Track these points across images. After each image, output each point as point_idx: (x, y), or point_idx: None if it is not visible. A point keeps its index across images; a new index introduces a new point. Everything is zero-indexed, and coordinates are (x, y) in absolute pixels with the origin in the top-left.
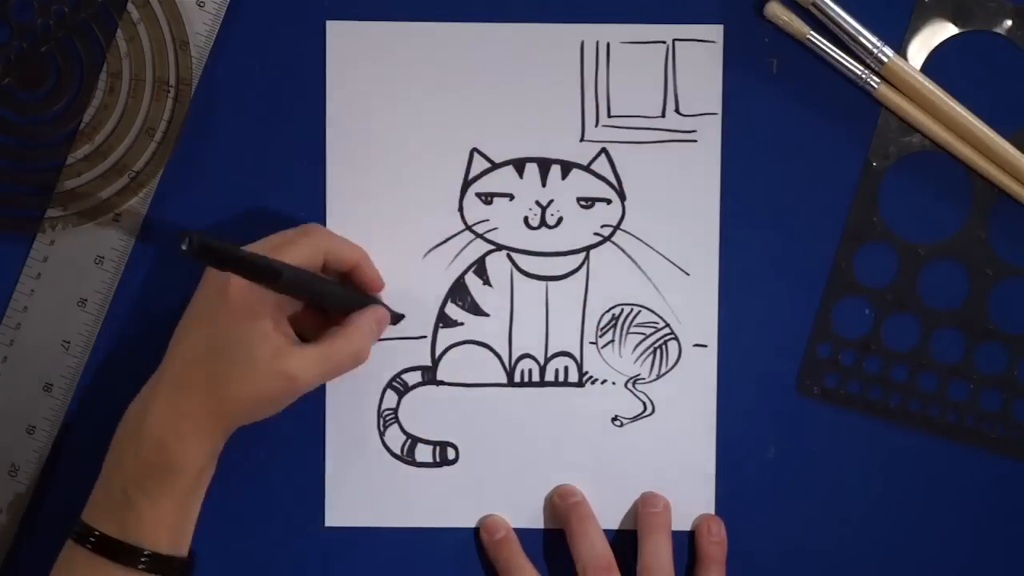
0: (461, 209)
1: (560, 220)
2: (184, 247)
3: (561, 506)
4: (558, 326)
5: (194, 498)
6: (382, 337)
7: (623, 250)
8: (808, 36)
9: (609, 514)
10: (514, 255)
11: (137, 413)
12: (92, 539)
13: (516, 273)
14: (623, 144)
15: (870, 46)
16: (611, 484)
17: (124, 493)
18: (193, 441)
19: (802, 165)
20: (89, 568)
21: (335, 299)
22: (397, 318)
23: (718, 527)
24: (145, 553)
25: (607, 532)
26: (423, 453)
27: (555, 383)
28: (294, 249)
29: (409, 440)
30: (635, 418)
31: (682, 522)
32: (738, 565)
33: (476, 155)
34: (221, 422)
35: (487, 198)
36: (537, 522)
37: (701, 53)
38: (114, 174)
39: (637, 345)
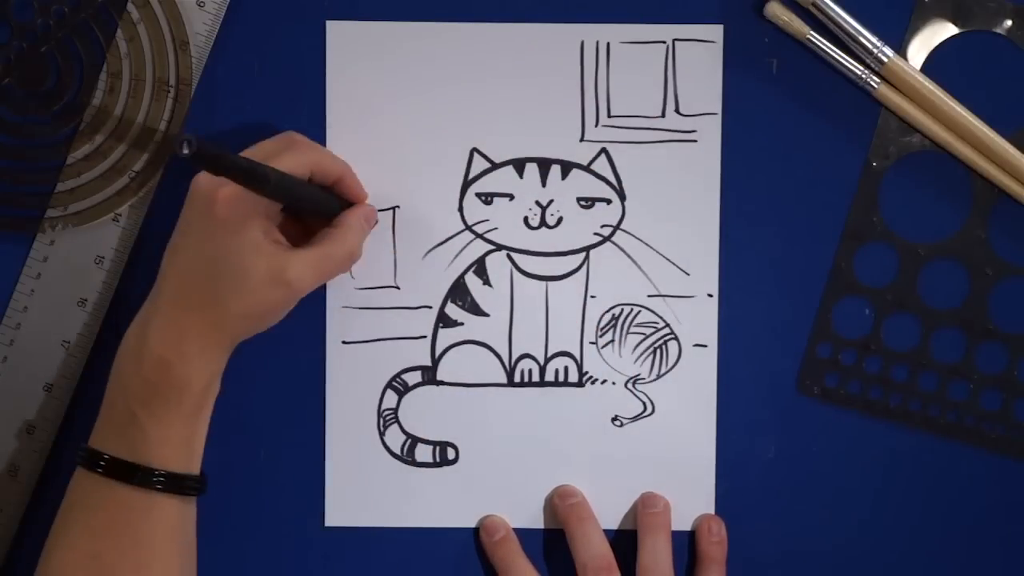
0: (461, 209)
1: (560, 220)
2: (185, 150)
3: (561, 507)
4: (558, 326)
5: (202, 416)
6: (382, 337)
7: (623, 250)
8: (808, 36)
9: (609, 514)
10: (514, 255)
11: (137, 334)
12: (102, 463)
13: (516, 273)
14: (623, 144)
15: (870, 46)
16: (611, 484)
17: (131, 414)
18: (197, 358)
19: (802, 165)
20: (104, 492)
21: (321, 204)
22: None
23: (718, 527)
24: (159, 472)
25: (607, 532)
26: (423, 453)
27: (555, 383)
28: (281, 160)
29: (409, 440)
30: (635, 418)
31: (682, 522)
32: (738, 565)
33: (476, 155)
34: (224, 337)
35: (487, 198)
36: (537, 522)
37: (701, 53)
38: (114, 174)
39: (637, 345)
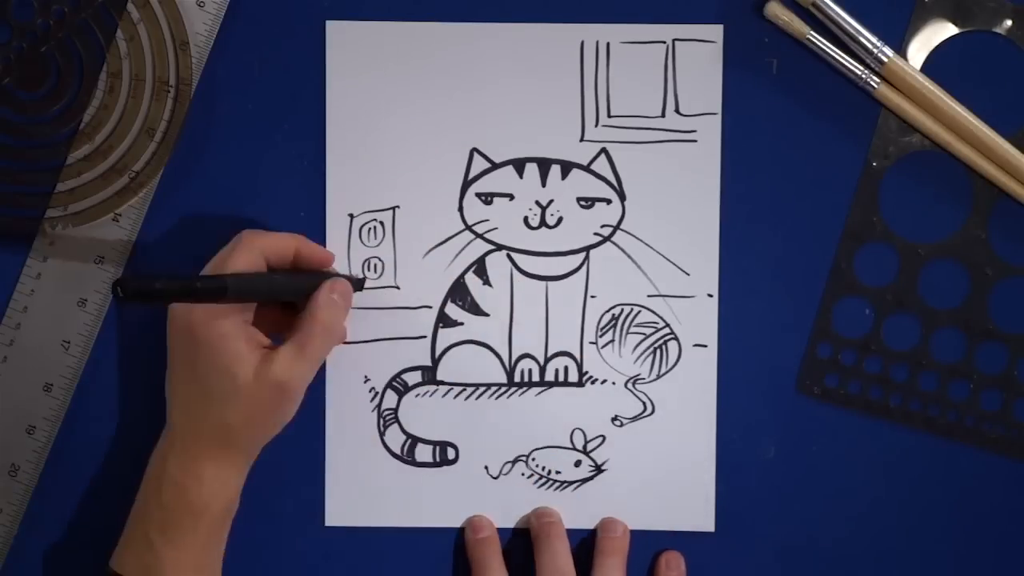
0: (461, 209)
1: (560, 220)
2: (120, 294)
3: (536, 524)
4: (558, 326)
5: (218, 538)
6: (382, 337)
7: (623, 250)
8: (808, 36)
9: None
10: (514, 255)
11: (157, 461)
12: None
13: (516, 273)
14: (623, 144)
15: (870, 46)
16: (611, 484)
17: (148, 540)
18: (213, 481)
19: (802, 165)
20: None
21: (289, 288)
22: (358, 283)
23: (677, 561)
24: None
25: None
26: (423, 453)
27: (555, 383)
28: (233, 261)
29: (409, 440)
30: (635, 418)
31: (680, 522)
32: (738, 565)
33: (476, 155)
34: (237, 454)
35: (487, 198)
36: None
37: (701, 53)
38: (114, 174)
39: (637, 345)
